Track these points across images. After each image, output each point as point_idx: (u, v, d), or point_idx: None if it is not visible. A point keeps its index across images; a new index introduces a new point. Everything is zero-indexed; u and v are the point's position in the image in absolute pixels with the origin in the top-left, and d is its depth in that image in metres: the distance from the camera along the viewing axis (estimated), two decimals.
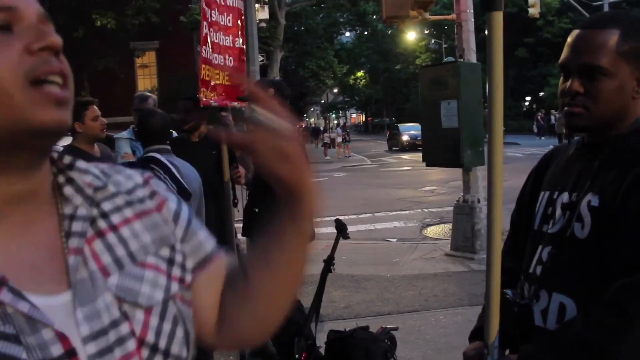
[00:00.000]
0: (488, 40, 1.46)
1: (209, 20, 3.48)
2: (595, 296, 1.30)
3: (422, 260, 7.37)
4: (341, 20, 48.95)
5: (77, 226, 0.76)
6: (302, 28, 40.24)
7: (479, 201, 7.23)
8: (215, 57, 3.54)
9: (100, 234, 0.78)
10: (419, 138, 8.27)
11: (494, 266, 1.48)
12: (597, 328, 1.27)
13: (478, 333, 1.61)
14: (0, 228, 0.71)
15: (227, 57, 3.66)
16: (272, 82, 3.87)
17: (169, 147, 3.37)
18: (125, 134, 4.90)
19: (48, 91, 0.71)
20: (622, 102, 1.38)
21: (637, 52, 1.36)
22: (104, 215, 0.80)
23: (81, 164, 0.81)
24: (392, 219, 10.60)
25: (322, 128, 41.37)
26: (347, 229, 3.81)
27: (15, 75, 0.68)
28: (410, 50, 47.97)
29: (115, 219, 0.80)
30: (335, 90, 66.20)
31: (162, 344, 0.77)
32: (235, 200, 4.61)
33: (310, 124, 72.45)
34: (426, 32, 44.30)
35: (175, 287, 0.82)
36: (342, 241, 7.50)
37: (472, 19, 7.41)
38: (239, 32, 3.79)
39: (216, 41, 3.55)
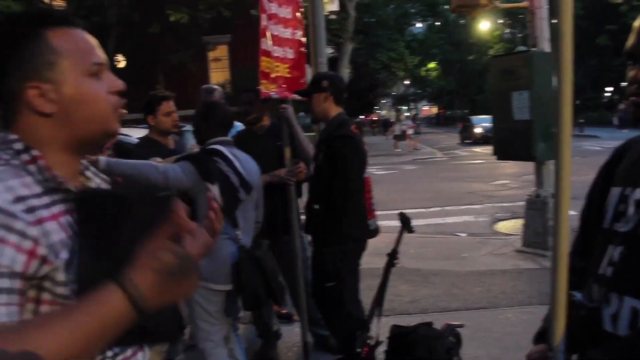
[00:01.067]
0: (556, 26, 1.37)
1: (268, 13, 3.46)
2: None
3: (491, 256, 7.17)
4: (412, 10, 48.40)
5: None
6: (373, 19, 40.01)
7: (552, 196, 6.94)
8: (275, 50, 3.53)
9: None
10: (492, 130, 8.08)
11: (560, 265, 1.39)
12: None
13: (543, 335, 1.52)
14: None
15: (286, 50, 3.64)
16: (326, 75, 3.84)
17: (231, 139, 3.37)
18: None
19: (119, 113, 1.20)
20: None
21: None
22: None
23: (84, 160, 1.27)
24: (462, 213, 10.38)
25: (392, 120, 40.97)
26: (411, 222, 3.73)
27: (108, 107, 1.17)
28: (484, 41, 46.79)
29: None
30: (407, 82, 65.56)
31: None
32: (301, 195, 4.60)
33: (381, 116, 72.07)
34: (500, 21, 43.11)
35: None
36: (409, 235, 7.39)
37: (546, 6, 7.11)
38: (298, 25, 3.76)
39: (276, 33, 3.53)
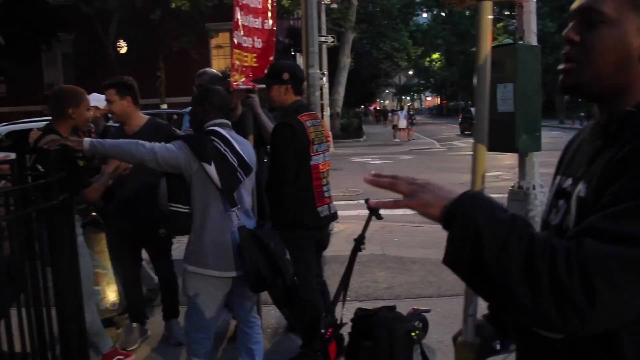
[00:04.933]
0: (476, 28, 1.49)
1: (240, 4, 3.54)
2: None
3: None
4: (417, 0, 48.19)
5: None
6: (377, 9, 39.90)
7: (534, 187, 7.06)
8: (245, 40, 3.61)
9: None
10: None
11: None
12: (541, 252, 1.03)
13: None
14: None
15: (255, 39, 3.71)
16: (286, 66, 3.79)
17: (229, 122, 3.35)
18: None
19: None
20: (622, 59, 1.16)
21: None
22: None
23: None
24: None
25: (393, 109, 40.91)
26: (379, 209, 3.83)
27: None
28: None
29: None
30: (410, 72, 65.42)
31: None
32: None
33: (384, 106, 72.03)
34: (506, 13, 42.91)
35: None
36: (395, 224, 7.42)
37: (535, 0, 7.18)
38: (269, 15, 3.84)
39: (246, 24, 3.61)
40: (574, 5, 1.23)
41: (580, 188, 1.19)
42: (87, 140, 3.07)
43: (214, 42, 28.79)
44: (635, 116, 1.16)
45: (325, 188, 3.84)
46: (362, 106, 48.49)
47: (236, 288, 3.32)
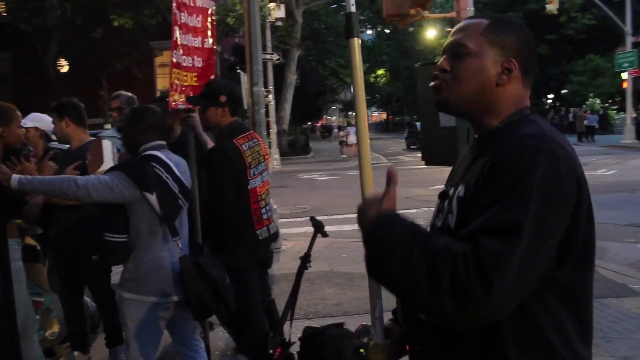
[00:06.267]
0: (351, 62, 1.76)
1: (179, 23, 3.50)
2: None
3: None
4: (361, 18, 48.92)
5: None
6: (322, 26, 40.32)
7: None
8: (184, 59, 3.56)
9: None
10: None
11: None
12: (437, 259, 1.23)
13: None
14: None
15: (195, 58, 3.66)
16: (223, 88, 3.70)
17: (164, 143, 3.26)
18: (112, 131, 4.88)
19: None
20: (482, 84, 1.44)
21: (502, 42, 1.45)
22: None
23: None
24: None
25: (335, 125, 41.32)
26: (324, 227, 3.83)
27: None
28: (432, 48, 47.67)
29: None
30: None
31: None
32: None
33: (331, 122, 72.63)
34: (448, 29, 44.03)
35: None
36: (345, 239, 7.46)
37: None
38: (209, 33, 3.81)
39: (185, 43, 3.56)
40: (446, 43, 1.52)
41: (460, 189, 1.42)
42: (15, 177, 2.90)
43: (158, 60, 28.37)
44: (497, 132, 1.44)
45: (263, 210, 3.79)
46: (309, 123, 48.84)
47: (178, 312, 3.24)
